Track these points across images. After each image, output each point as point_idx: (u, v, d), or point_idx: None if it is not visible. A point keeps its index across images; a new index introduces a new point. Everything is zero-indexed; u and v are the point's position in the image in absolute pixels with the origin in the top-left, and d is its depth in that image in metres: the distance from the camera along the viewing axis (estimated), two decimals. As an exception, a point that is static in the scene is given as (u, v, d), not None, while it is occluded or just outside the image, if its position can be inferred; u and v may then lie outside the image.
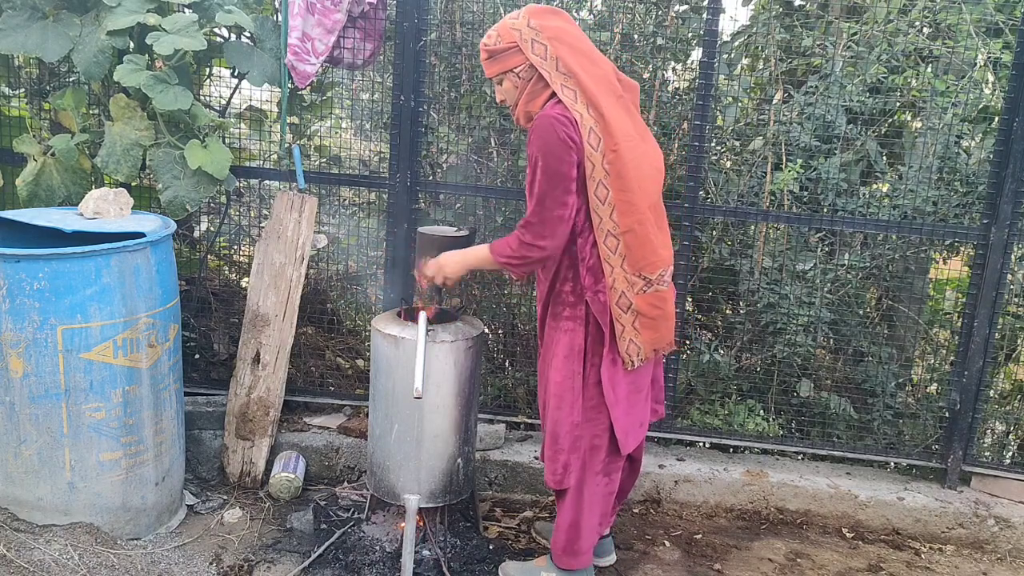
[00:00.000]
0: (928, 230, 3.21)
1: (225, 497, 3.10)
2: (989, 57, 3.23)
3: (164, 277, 2.67)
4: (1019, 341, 3.45)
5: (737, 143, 3.59)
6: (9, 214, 2.68)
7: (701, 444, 3.53)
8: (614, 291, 2.34)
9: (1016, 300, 3.34)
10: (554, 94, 2.30)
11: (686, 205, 3.22)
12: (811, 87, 3.31)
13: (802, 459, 3.52)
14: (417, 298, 2.77)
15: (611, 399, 2.41)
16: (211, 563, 2.69)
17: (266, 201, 3.66)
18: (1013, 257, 3.19)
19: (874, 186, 3.46)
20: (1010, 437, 3.53)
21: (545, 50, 2.29)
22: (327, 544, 2.79)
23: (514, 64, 2.32)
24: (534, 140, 2.27)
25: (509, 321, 3.58)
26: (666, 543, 3.07)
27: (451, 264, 2.52)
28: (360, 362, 3.67)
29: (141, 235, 2.58)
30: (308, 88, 3.24)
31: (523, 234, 2.31)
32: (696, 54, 3.42)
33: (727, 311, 3.70)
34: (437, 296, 2.78)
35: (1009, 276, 3.18)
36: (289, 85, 3.15)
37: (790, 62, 3.37)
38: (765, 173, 3.38)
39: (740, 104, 3.53)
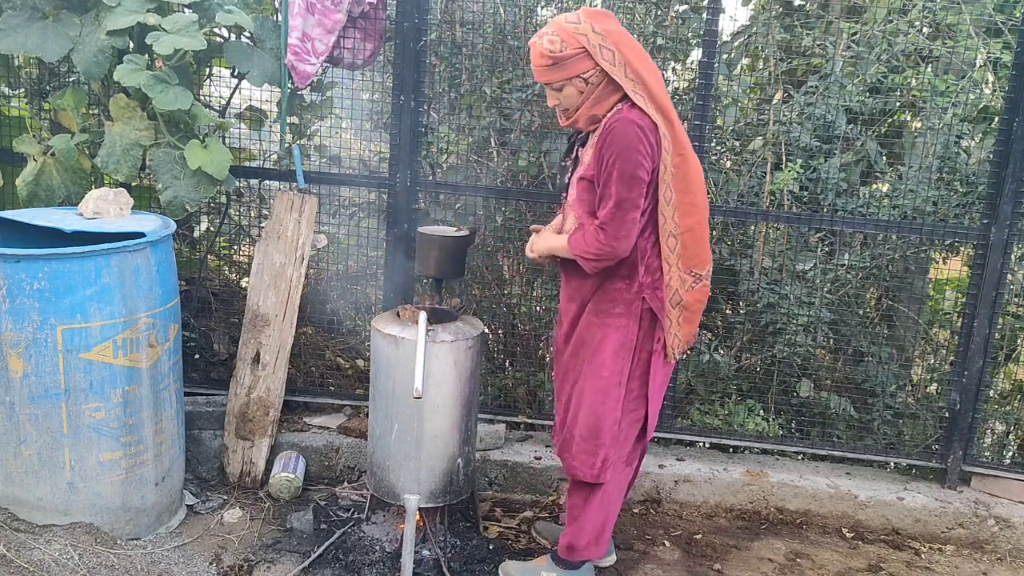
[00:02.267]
0: (928, 230, 3.21)
1: (225, 497, 3.10)
2: (989, 57, 3.23)
3: (164, 277, 2.67)
4: (1019, 341, 3.45)
5: (737, 143, 3.59)
6: (9, 214, 2.68)
7: (701, 444, 3.53)
8: (669, 288, 2.42)
9: (1016, 300, 3.34)
10: (622, 98, 2.32)
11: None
12: (811, 87, 3.31)
13: (802, 459, 3.52)
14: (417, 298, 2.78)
15: (652, 390, 2.50)
16: (211, 563, 2.69)
17: (266, 201, 3.66)
18: (1013, 257, 3.19)
19: (874, 186, 3.46)
20: (1010, 437, 3.53)
21: (613, 55, 2.29)
22: (327, 544, 2.79)
23: (581, 69, 2.30)
24: (612, 144, 2.27)
25: (509, 321, 3.58)
26: (666, 543, 3.07)
27: (541, 243, 2.57)
28: (360, 362, 3.67)
29: (141, 235, 2.58)
30: (308, 88, 3.24)
31: (600, 234, 2.33)
32: (696, 54, 3.42)
33: (727, 311, 3.70)
34: (438, 296, 2.78)
35: (1009, 276, 3.18)
36: (289, 85, 3.15)
37: (790, 62, 3.37)
38: (765, 173, 3.38)
39: (740, 104, 3.53)
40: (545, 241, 2.54)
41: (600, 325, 2.45)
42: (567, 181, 2.55)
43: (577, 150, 2.54)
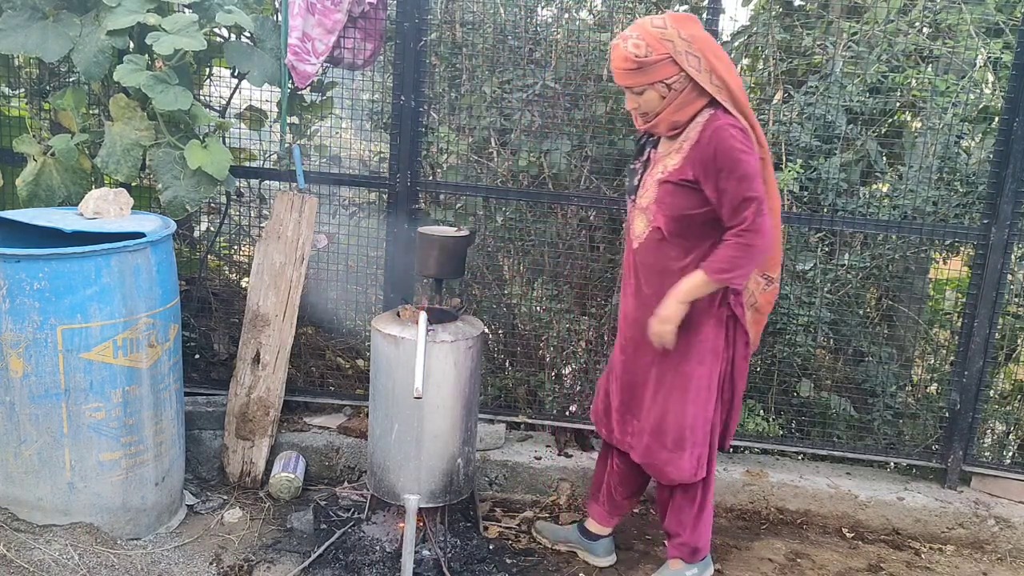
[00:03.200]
0: (928, 230, 3.21)
1: (225, 497, 3.10)
2: (989, 57, 3.23)
3: (164, 277, 2.67)
4: (1019, 341, 3.45)
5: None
6: (9, 214, 2.68)
7: (701, 444, 3.53)
8: (747, 290, 2.48)
9: (1016, 300, 3.34)
10: (708, 104, 2.33)
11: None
12: (811, 87, 3.31)
13: (802, 459, 3.52)
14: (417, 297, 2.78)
15: (738, 390, 2.59)
16: (211, 563, 2.69)
17: (266, 201, 3.66)
18: (1013, 257, 3.19)
19: (874, 186, 3.46)
20: (1010, 437, 3.53)
21: (699, 62, 2.29)
22: (327, 544, 2.79)
23: (666, 75, 2.29)
24: (724, 152, 2.26)
25: (509, 321, 3.58)
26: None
27: (670, 308, 2.38)
28: (360, 362, 3.67)
29: (141, 235, 2.58)
30: (308, 88, 3.24)
31: (746, 240, 2.27)
32: (696, 54, 3.41)
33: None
34: (438, 296, 2.78)
35: (1009, 276, 3.18)
36: (289, 85, 3.15)
37: (790, 62, 3.37)
38: (765, 173, 3.38)
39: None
40: (675, 300, 2.37)
41: (686, 332, 2.42)
42: (636, 183, 2.52)
43: (649, 152, 2.52)
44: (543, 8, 3.59)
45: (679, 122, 2.35)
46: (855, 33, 3.34)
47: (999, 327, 3.21)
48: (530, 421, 3.49)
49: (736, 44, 3.63)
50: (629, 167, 2.62)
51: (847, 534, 3.23)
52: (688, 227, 2.38)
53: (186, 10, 3.00)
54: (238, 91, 3.36)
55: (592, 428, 3.45)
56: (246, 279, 3.51)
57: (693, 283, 2.35)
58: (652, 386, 2.53)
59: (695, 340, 2.44)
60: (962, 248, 3.46)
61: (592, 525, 2.89)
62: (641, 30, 2.29)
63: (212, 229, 3.62)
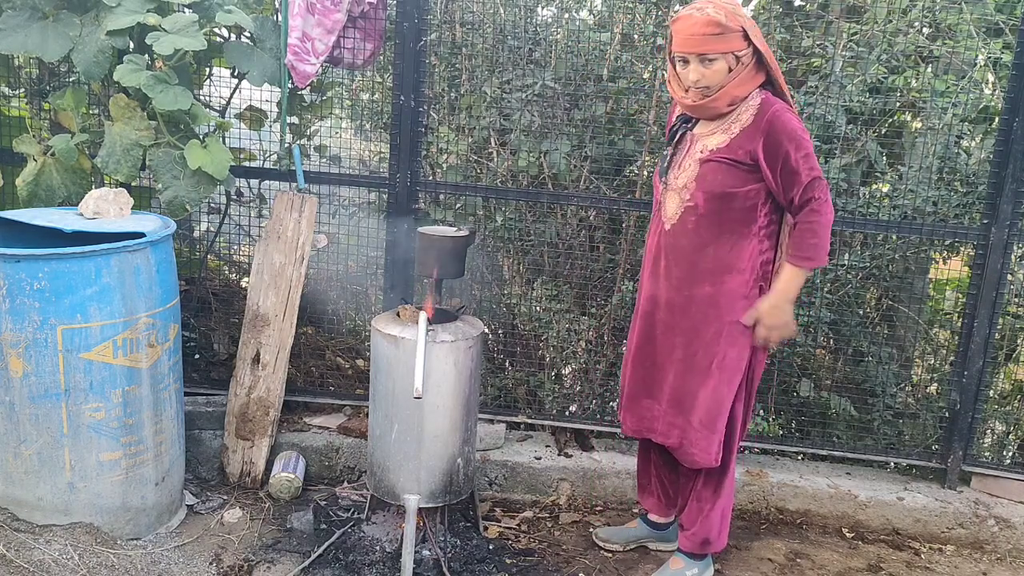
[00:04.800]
0: (928, 230, 3.21)
1: (225, 497, 3.10)
2: (989, 57, 3.23)
3: (164, 277, 2.67)
4: (1019, 341, 3.45)
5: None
6: (9, 214, 2.68)
7: (701, 444, 3.53)
8: (776, 277, 2.53)
9: (1016, 300, 3.33)
10: (762, 85, 2.42)
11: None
12: (811, 87, 3.31)
13: (802, 459, 3.52)
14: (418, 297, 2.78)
15: (756, 379, 2.63)
16: (211, 563, 2.69)
17: (266, 201, 3.66)
18: (1013, 257, 3.19)
19: (874, 186, 3.46)
20: (1010, 437, 3.53)
21: (761, 42, 2.37)
22: (327, 544, 2.79)
23: (737, 48, 2.34)
24: (785, 131, 2.36)
25: (509, 321, 3.58)
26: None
27: (776, 305, 2.48)
28: (360, 362, 3.67)
29: (141, 235, 2.58)
30: (308, 88, 3.24)
31: (818, 218, 2.39)
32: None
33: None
34: (438, 296, 2.79)
35: (1009, 276, 3.18)
36: (289, 85, 3.15)
37: (790, 62, 3.37)
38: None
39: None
40: (785, 301, 2.47)
41: (718, 311, 2.48)
42: (667, 166, 2.56)
43: (686, 137, 2.54)
44: (543, 8, 3.59)
45: (738, 97, 2.40)
46: (855, 33, 3.33)
47: (999, 327, 3.21)
48: (530, 421, 3.49)
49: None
50: (664, 154, 2.63)
51: (847, 534, 3.23)
52: (726, 207, 2.43)
53: (186, 10, 3.00)
54: (238, 91, 3.36)
55: (592, 428, 3.46)
56: (246, 279, 3.51)
57: (790, 280, 2.45)
58: (678, 367, 2.55)
59: (727, 321, 2.48)
60: (962, 248, 3.46)
61: (655, 517, 2.94)
62: (716, 3, 2.33)
63: (212, 229, 3.62)
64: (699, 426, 2.54)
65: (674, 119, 2.63)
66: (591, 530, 3.06)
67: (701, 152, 2.46)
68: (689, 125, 2.56)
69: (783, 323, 2.49)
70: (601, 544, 2.98)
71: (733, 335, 2.49)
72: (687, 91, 2.43)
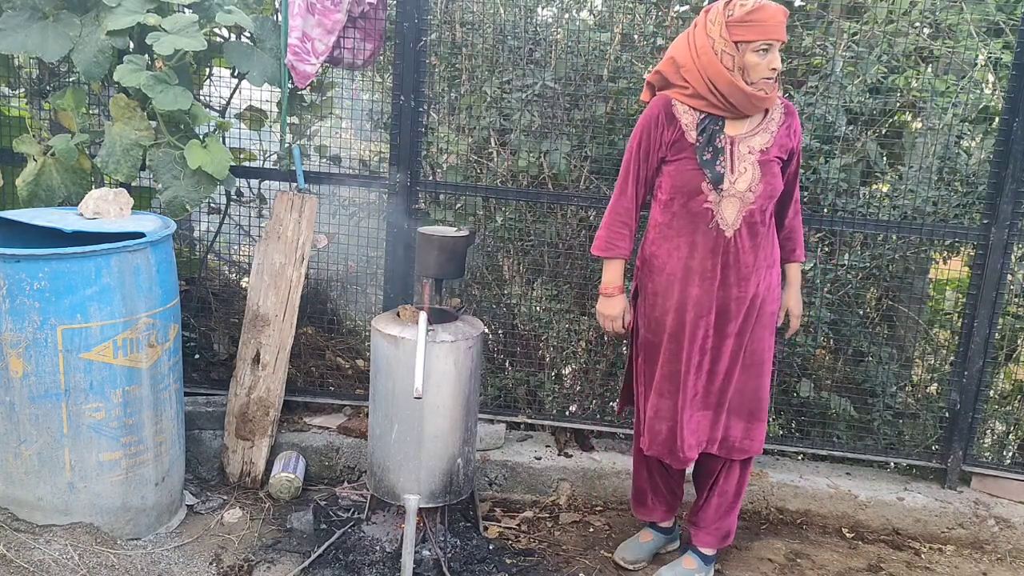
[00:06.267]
0: (928, 230, 3.21)
1: (225, 497, 3.10)
2: (989, 57, 3.22)
3: (164, 277, 2.67)
4: (1019, 341, 3.45)
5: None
6: (9, 214, 2.68)
7: (701, 444, 3.53)
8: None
9: (1016, 300, 3.33)
10: None
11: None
12: (811, 87, 3.31)
13: (802, 459, 3.52)
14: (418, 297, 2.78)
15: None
16: (211, 563, 2.69)
17: (266, 201, 3.66)
18: (1013, 257, 3.19)
19: (874, 186, 3.46)
20: (1010, 437, 3.53)
21: None
22: (327, 544, 2.79)
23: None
24: (799, 129, 2.57)
25: (509, 321, 3.58)
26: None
27: (797, 300, 2.78)
28: (360, 362, 3.67)
29: (141, 235, 2.58)
30: (308, 88, 3.24)
31: (800, 211, 2.75)
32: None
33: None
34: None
35: (1009, 276, 3.18)
36: (289, 85, 3.15)
37: (790, 62, 3.37)
38: (765, 173, 3.37)
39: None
40: (799, 292, 2.77)
41: (762, 310, 2.57)
42: (720, 173, 2.43)
43: (719, 138, 2.44)
44: (543, 8, 3.59)
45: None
46: (855, 33, 3.33)
47: (999, 327, 3.21)
48: (530, 421, 3.49)
49: (736, 44, 3.61)
50: (704, 158, 2.44)
51: (847, 534, 3.23)
52: (771, 205, 2.54)
53: (186, 10, 3.00)
54: (238, 91, 3.36)
55: (592, 428, 3.46)
56: (246, 279, 3.51)
57: (798, 274, 2.75)
58: (729, 364, 2.57)
59: (768, 311, 2.58)
60: (962, 248, 3.46)
61: (664, 523, 2.96)
62: None
63: (212, 229, 3.62)
64: (748, 417, 2.62)
65: (684, 122, 2.46)
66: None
67: (750, 153, 2.43)
68: (717, 125, 2.45)
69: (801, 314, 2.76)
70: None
71: (771, 325, 2.62)
72: (752, 83, 2.37)
